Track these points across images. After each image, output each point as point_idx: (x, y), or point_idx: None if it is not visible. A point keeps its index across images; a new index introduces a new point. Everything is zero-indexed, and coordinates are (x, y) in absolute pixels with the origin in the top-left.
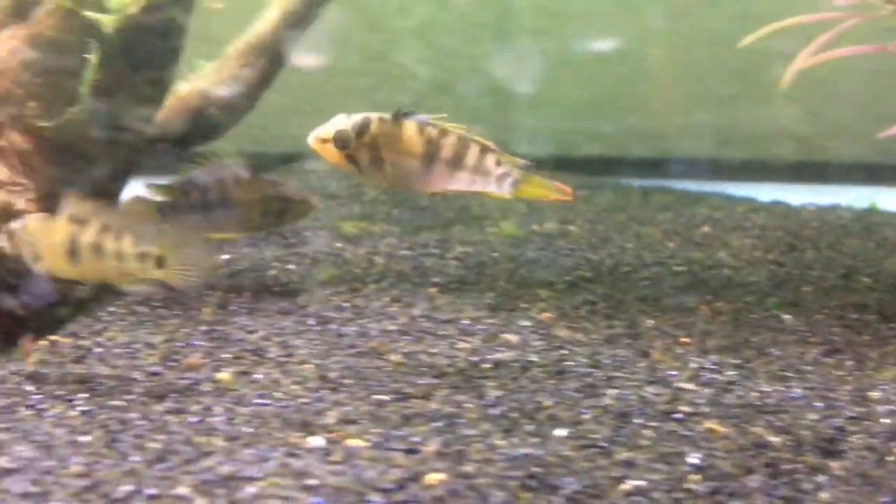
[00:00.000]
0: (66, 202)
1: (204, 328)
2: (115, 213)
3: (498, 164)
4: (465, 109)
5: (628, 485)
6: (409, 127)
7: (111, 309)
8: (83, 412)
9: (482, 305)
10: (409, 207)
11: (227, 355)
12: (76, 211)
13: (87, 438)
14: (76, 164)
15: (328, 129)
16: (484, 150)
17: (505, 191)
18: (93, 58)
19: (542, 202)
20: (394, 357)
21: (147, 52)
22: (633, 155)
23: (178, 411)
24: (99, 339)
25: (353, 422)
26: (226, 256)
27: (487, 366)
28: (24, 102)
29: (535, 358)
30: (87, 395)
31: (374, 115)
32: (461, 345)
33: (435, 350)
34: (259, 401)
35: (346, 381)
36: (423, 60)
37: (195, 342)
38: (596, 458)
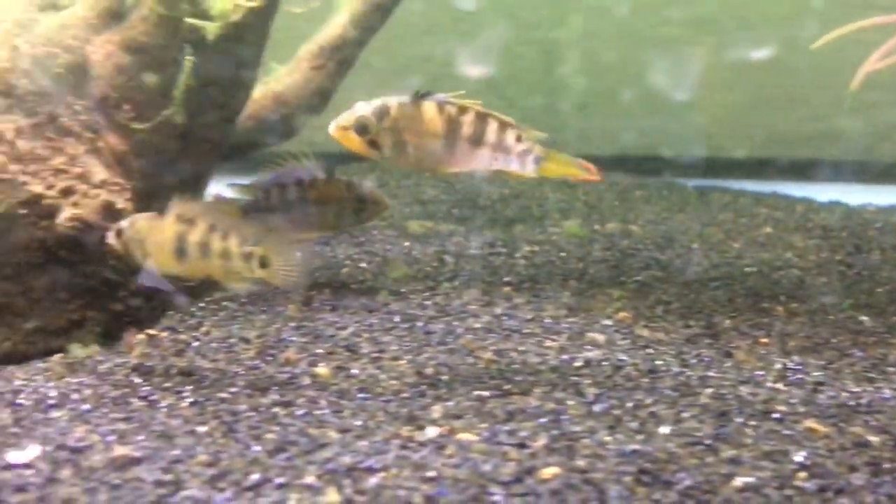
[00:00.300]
0: (173, 202)
1: (293, 324)
2: (219, 214)
3: (518, 140)
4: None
5: (739, 481)
6: (429, 107)
7: (201, 304)
8: (193, 403)
9: (560, 305)
10: (468, 206)
11: (321, 351)
12: (183, 211)
13: (204, 429)
14: (167, 165)
15: (348, 116)
16: (503, 125)
17: (528, 169)
18: (187, 62)
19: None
20: (486, 355)
21: (234, 57)
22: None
23: (284, 404)
24: (195, 333)
25: (459, 416)
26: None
27: (579, 364)
28: (119, 106)
29: (624, 357)
30: (192, 387)
31: (393, 99)
32: (549, 343)
33: (524, 348)
34: (361, 395)
35: (443, 378)
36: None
37: (288, 338)
38: (703, 456)
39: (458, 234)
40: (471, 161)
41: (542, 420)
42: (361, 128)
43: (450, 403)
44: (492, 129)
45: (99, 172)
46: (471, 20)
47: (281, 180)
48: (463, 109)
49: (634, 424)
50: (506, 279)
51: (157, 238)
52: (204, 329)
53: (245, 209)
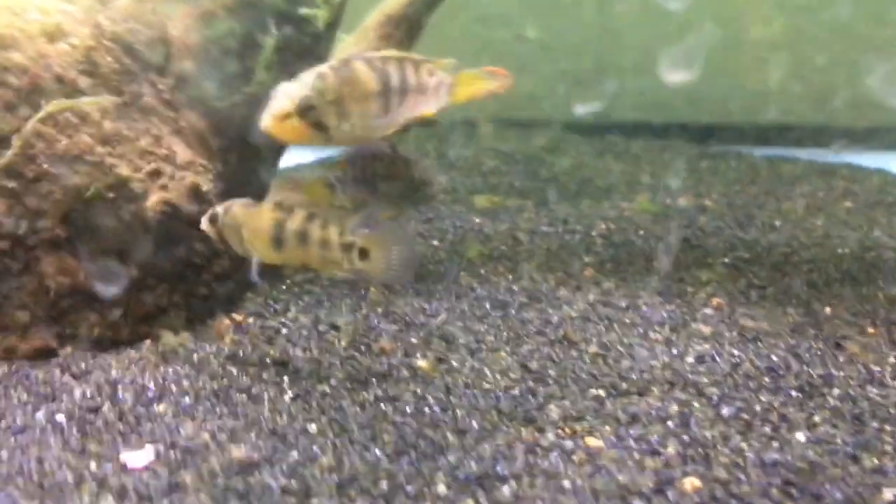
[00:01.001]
0: (273, 187)
1: (380, 310)
2: (318, 203)
3: (431, 74)
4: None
5: (888, 494)
6: (360, 66)
7: (283, 287)
8: (295, 397)
9: (650, 289)
10: (530, 178)
11: (415, 340)
12: (282, 198)
13: (315, 427)
14: (245, 143)
15: (282, 101)
16: (417, 64)
17: (442, 102)
18: (269, 38)
19: None
20: (590, 347)
21: (312, 29)
22: None
23: (390, 399)
24: (282, 319)
25: (579, 418)
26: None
27: (691, 359)
28: (199, 82)
29: (735, 352)
30: (290, 378)
31: (321, 69)
32: (653, 335)
33: (628, 340)
34: (469, 391)
35: (551, 373)
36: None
37: (378, 325)
38: (846, 465)
39: (526, 209)
40: (403, 114)
41: (670, 424)
42: (306, 108)
43: (566, 403)
44: (411, 72)
45: (183, 153)
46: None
47: (365, 154)
48: (385, 59)
49: (767, 430)
50: (586, 259)
51: (254, 225)
52: (291, 314)
53: (332, 184)
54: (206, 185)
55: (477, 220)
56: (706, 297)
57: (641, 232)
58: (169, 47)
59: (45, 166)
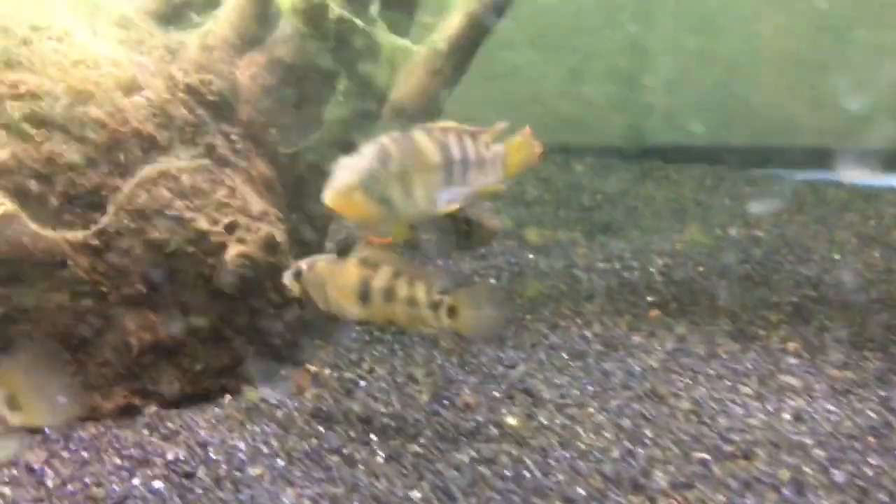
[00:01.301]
0: (358, 246)
1: (455, 360)
2: (405, 261)
3: (487, 146)
4: None
5: None
6: (420, 138)
7: (353, 336)
8: (388, 458)
9: (722, 333)
10: (574, 207)
11: (498, 394)
12: (368, 254)
13: (418, 495)
14: (308, 189)
15: (346, 175)
16: (474, 135)
17: (499, 174)
18: (339, 84)
19: None
20: (682, 404)
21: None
22: None
23: (486, 461)
24: (358, 371)
25: (689, 485)
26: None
27: (787, 416)
28: (266, 129)
29: (831, 408)
30: (378, 437)
31: (382, 140)
32: (742, 388)
33: (718, 395)
34: (565, 453)
35: (647, 433)
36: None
37: (457, 377)
38: None
39: (578, 242)
40: (467, 189)
41: (786, 492)
42: (371, 182)
43: (671, 468)
44: (470, 144)
45: (256, 203)
46: None
47: None
48: (444, 130)
49: (886, 499)
50: (649, 299)
51: (339, 282)
52: (366, 366)
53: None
54: (280, 237)
55: (531, 257)
56: (780, 341)
57: (701, 269)
58: (238, 96)
59: (126, 222)
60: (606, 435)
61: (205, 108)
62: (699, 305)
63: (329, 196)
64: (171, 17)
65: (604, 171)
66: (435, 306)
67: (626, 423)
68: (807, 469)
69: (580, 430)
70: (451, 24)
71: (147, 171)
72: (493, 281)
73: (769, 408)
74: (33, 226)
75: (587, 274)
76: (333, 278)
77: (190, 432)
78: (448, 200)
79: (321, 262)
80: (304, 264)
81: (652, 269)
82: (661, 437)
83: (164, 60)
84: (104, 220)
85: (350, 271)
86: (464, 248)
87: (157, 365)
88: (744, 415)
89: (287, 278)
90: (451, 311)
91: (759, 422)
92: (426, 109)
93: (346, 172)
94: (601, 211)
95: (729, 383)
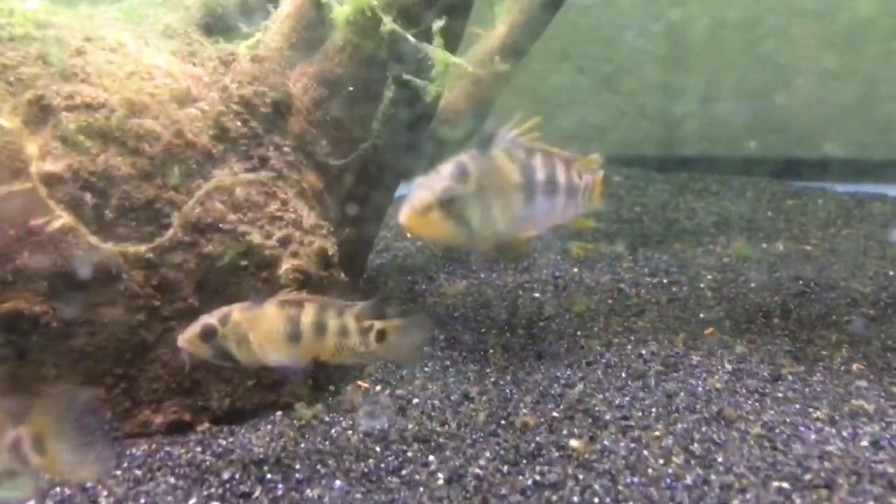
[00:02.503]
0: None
1: (508, 377)
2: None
3: (580, 175)
4: None
5: None
6: (501, 158)
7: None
8: (449, 480)
9: (783, 353)
10: (614, 219)
11: (557, 414)
12: (286, 296)
13: None
14: (357, 200)
15: (423, 194)
16: (567, 161)
17: (585, 206)
18: (388, 94)
19: None
20: (753, 428)
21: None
22: None
23: (552, 486)
24: (410, 387)
25: None
26: (463, 282)
27: (866, 443)
28: (317, 141)
29: None
30: (437, 457)
31: (461, 158)
32: (814, 413)
33: (789, 419)
34: (635, 479)
35: (719, 459)
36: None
37: (512, 395)
38: None
39: (621, 256)
40: (553, 217)
41: None
42: (449, 200)
43: (749, 497)
44: (561, 170)
45: (308, 216)
46: None
47: None
48: (530, 151)
49: None
50: (702, 316)
51: (265, 327)
52: (418, 382)
53: None
54: (332, 249)
55: (575, 270)
56: (844, 361)
57: (752, 284)
58: (290, 107)
59: (180, 235)
60: (676, 460)
61: (258, 120)
62: (754, 323)
63: (405, 216)
64: (214, 27)
65: (640, 182)
66: (365, 332)
67: (695, 447)
68: (894, 500)
69: (647, 455)
70: (495, 35)
71: (213, 182)
72: (537, 295)
73: (844, 434)
74: (92, 239)
75: (634, 289)
76: (256, 325)
77: (244, 450)
78: (529, 224)
79: (236, 314)
80: (211, 321)
81: (702, 285)
82: (735, 463)
83: (217, 72)
84: (169, 234)
85: (274, 314)
86: (510, 259)
87: (207, 380)
88: (819, 441)
89: (189, 342)
90: (380, 336)
91: (836, 449)
92: (471, 114)
93: (424, 191)
94: (641, 223)
95: (798, 407)
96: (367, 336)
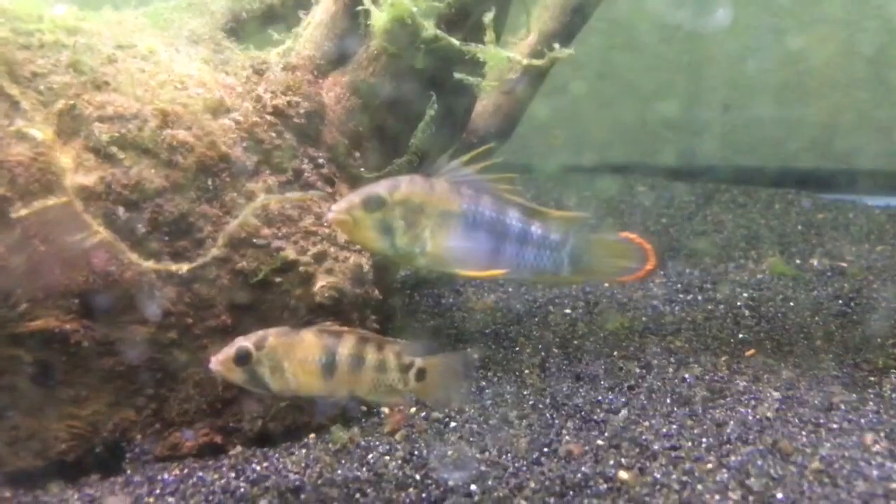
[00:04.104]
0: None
1: (547, 400)
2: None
3: (557, 230)
4: None
5: None
6: (443, 186)
7: None
8: None
9: (831, 378)
10: (640, 231)
11: (602, 442)
12: (323, 326)
13: None
14: None
15: (352, 197)
16: (533, 212)
17: (567, 271)
18: (430, 110)
19: None
20: (811, 463)
21: (464, 97)
22: None
23: None
24: (447, 410)
25: None
26: (492, 297)
27: None
28: (350, 153)
29: None
30: (479, 488)
31: (406, 178)
32: (871, 445)
33: (848, 454)
34: None
35: (779, 496)
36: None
37: (553, 420)
38: None
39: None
40: (497, 261)
41: None
42: (373, 205)
43: None
44: (520, 218)
45: None
46: None
47: None
48: (498, 199)
49: None
50: (741, 336)
51: (300, 355)
52: (454, 404)
53: None
54: (367, 265)
55: (605, 285)
56: (894, 388)
57: (791, 303)
58: (324, 118)
59: (213, 250)
60: (733, 496)
61: (292, 132)
62: (797, 345)
63: (332, 212)
64: (239, 32)
65: (664, 192)
66: (405, 369)
67: (752, 483)
68: None
69: (702, 489)
70: (525, 44)
71: (261, 200)
72: (567, 311)
73: None
74: (132, 256)
75: (668, 306)
76: (292, 353)
77: (279, 476)
78: (477, 265)
79: (272, 339)
80: (247, 344)
81: (738, 304)
82: (797, 501)
83: (250, 81)
84: (213, 252)
85: (311, 342)
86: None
87: (239, 401)
88: (882, 478)
89: (223, 366)
90: (420, 375)
91: None
92: (499, 128)
93: (354, 194)
94: (669, 236)
95: (856, 439)
96: (407, 374)
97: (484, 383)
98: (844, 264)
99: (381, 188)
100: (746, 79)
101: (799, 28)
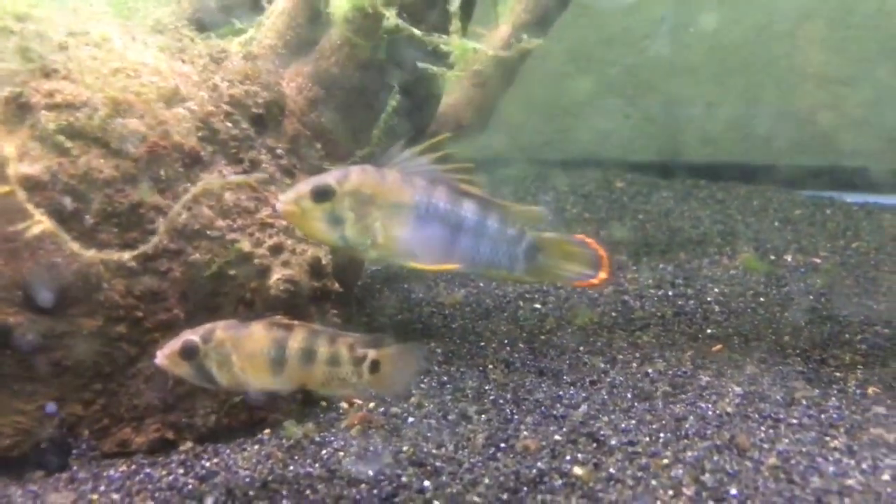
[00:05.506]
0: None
1: (508, 395)
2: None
3: (514, 227)
4: None
5: None
6: (395, 177)
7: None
8: None
9: (795, 374)
10: (616, 225)
11: (560, 438)
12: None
13: None
14: None
15: (301, 186)
16: (488, 205)
17: (518, 267)
18: (392, 101)
19: None
20: (768, 459)
21: (427, 88)
22: None
23: None
24: (405, 404)
25: None
26: (462, 292)
27: (887, 477)
28: (311, 144)
29: None
30: (433, 484)
31: (357, 167)
32: (830, 441)
33: (805, 449)
34: None
35: (732, 491)
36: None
37: (513, 415)
38: None
39: (625, 266)
40: (451, 255)
41: None
42: (320, 194)
43: None
44: (469, 208)
45: None
46: None
47: None
48: (452, 190)
49: None
50: (709, 331)
51: (248, 349)
52: (414, 399)
53: None
54: (325, 258)
55: None
56: (859, 384)
57: (762, 299)
58: (283, 108)
59: (165, 242)
60: (687, 492)
61: (250, 122)
62: (764, 340)
63: (280, 202)
64: (207, 22)
65: (644, 189)
66: (358, 362)
67: (707, 478)
68: None
69: (656, 484)
70: (497, 36)
71: (201, 186)
72: (538, 306)
73: (864, 466)
74: (73, 246)
75: (639, 301)
76: (240, 346)
77: (228, 472)
78: (432, 258)
79: (220, 332)
80: (194, 338)
81: (709, 299)
82: (750, 497)
83: (207, 70)
84: (154, 241)
85: (260, 335)
86: None
87: (192, 396)
88: (838, 474)
89: (169, 360)
90: (374, 367)
91: (856, 482)
92: (471, 120)
93: (303, 184)
94: (645, 231)
95: (814, 435)
96: (360, 367)
97: (446, 378)
98: (818, 260)
99: (330, 178)
100: None
101: None
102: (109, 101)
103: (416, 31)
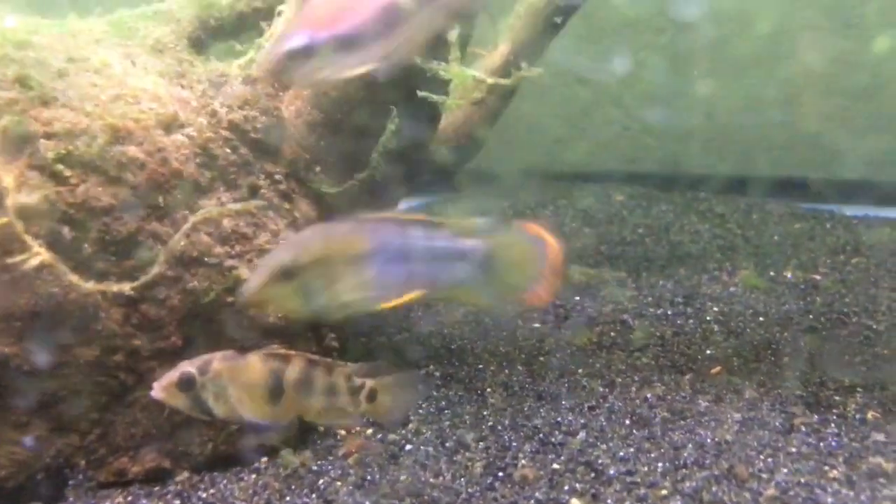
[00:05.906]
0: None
1: (506, 420)
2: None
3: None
4: None
5: None
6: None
7: None
8: None
9: (795, 399)
10: (616, 242)
11: (558, 466)
12: (271, 349)
13: None
14: None
15: (261, 270)
16: (432, 225)
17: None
18: (391, 124)
19: None
20: (765, 489)
21: (427, 111)
22: None
23: None
24: (403, 431)
25: None
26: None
27: None
28: (310, 168)
29: None
30: None
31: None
32: (828, 471)
33: (804, 479)
34: None
35: None
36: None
37: (511, 443)
38: None
39: (624, 283)
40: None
41: None
42: (286, 277)
43: None
44: (417, 235)
45: None
46: None
47: None
48: (397, 221)
49: None
50: (708, 352)
51: (245, 380)
52: (412, 426)
53: None
54: None
55: (577, 299)
56: (858, 409)
57: (761, 318)
58: (283, 132)
59: (155, 268)
60: None
61: (248, 147)
62: (763, 362)
63: (243, 298)
64: (207, 42)
65: (642, 202)
66: (356, 391)
67: None
68: None
69: None
70: (497, 55)
71: (201, 214)
72: (536, 325)
73: (863, 497)
74: (72, 277)
75: (638, 320)
76: (237, 378)
77: (222, 503)
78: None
79: (217, 363)
80: (190, 369)
81: (708, 318)
82: None
83: (206, 95)
84: (154, 272)
85: (257, 367)
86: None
87: (189, 424)
88: None
89: (165, 392)
90: (371, 396)
91: None
92: (472, 139)
93: (261, 270)
94: (643, 246)
95: (813, 464)
96: (358, 396)
97: (444, 403)
98: (818, 277)
99: (286, 255)
100: None
101: None
102: (108, 129)
103: (415, 60)
